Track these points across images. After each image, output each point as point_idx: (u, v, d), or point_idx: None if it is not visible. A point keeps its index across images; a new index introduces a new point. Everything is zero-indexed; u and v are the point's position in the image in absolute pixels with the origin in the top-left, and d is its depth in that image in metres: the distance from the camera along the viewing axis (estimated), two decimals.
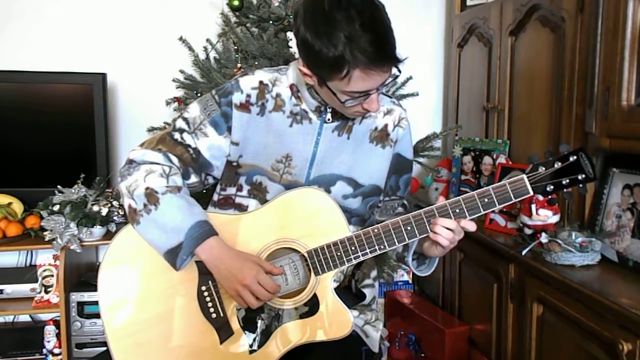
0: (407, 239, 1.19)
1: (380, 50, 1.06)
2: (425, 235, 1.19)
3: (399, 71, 1.12)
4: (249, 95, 1.26)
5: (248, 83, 1.27)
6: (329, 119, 1.26)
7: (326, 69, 1.09)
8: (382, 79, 1.11)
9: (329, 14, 1.05)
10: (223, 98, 1.26)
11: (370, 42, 1.04)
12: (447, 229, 1.16)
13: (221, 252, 1.17)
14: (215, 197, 1.34)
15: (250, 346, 1.21)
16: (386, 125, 1.32)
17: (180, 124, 1.27)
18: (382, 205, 1.41)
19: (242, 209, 1.28)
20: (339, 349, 1.24)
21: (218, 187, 1.34)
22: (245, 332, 1.21)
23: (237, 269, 1.15)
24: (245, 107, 1.26)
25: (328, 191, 1.26)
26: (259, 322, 1.22)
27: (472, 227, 1.17)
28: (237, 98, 1.26)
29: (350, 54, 1.04)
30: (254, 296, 1.16)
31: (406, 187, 1.42)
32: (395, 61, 1.09)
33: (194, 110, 1.28)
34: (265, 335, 1.21)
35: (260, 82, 1.27)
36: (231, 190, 1.30)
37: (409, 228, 1.18)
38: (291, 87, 1.27)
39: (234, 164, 1.28)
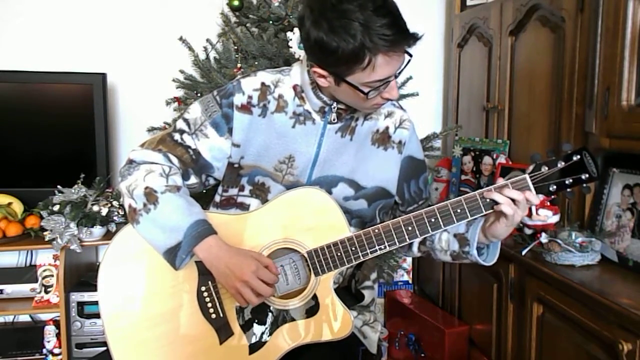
0: (407, 239, 1.18)
1: (399, 31, 1.06)
2: (425, 235, 1.19)
3: (410, 55, 1.12)
4: (250, 97, 1.25)
5: (250, 84, 1.26)
6: (333, 119, 1.25)
7: (346, 64, 1.08)
8: (401, 61, 1.11)
9: (338, 6, 1.04)
10: (224, 99, 1.25)
11: (387, 25, 1.04)
12: (511, 199, 1.14)
13: (220, 251, 1.16)
14: (217, 199, 1.34)
15: (250, 346, 1.21)
16: (387, 128, 1.31)
17: (181, 124, 1.27)
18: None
19: (244, 208, 1.28)
20: (336, 349, 1.24)
21: (220, 189, 1.33)
22: (245, 332, 1.21)
23: (235, 265, 1.15)
24: (246, 108, 1.25)
25: (329, 192, 1.25)
26: (259, 323, 1.22)
27: (535, 199, 1.14)
28: (239, 99, 1.25)
29: (370, 41, 1.04)
30: (254, 292, 1.15)
31: (426, 187, 1.40)
32: (414, 39, 1.09)
33: (194, 111, 1.27)
34: (265, 336, 1.21)
35: (262, 84, 1.26)
36: (233, 191, 1.29)
37: (409, 228, 1.18)
38: (294, 87, 1.26)
39: (236, 165, 1.28)
